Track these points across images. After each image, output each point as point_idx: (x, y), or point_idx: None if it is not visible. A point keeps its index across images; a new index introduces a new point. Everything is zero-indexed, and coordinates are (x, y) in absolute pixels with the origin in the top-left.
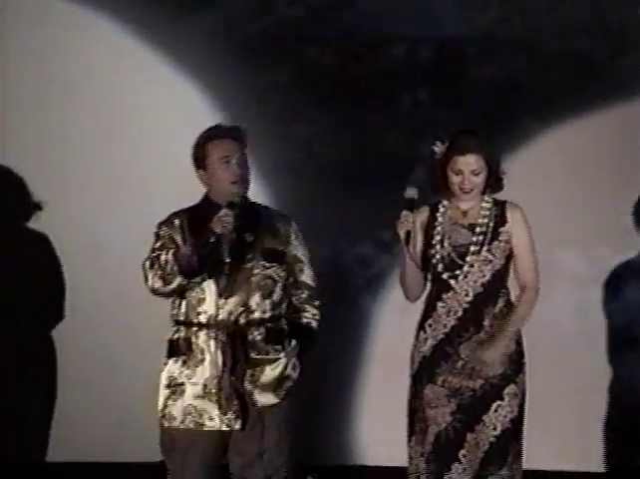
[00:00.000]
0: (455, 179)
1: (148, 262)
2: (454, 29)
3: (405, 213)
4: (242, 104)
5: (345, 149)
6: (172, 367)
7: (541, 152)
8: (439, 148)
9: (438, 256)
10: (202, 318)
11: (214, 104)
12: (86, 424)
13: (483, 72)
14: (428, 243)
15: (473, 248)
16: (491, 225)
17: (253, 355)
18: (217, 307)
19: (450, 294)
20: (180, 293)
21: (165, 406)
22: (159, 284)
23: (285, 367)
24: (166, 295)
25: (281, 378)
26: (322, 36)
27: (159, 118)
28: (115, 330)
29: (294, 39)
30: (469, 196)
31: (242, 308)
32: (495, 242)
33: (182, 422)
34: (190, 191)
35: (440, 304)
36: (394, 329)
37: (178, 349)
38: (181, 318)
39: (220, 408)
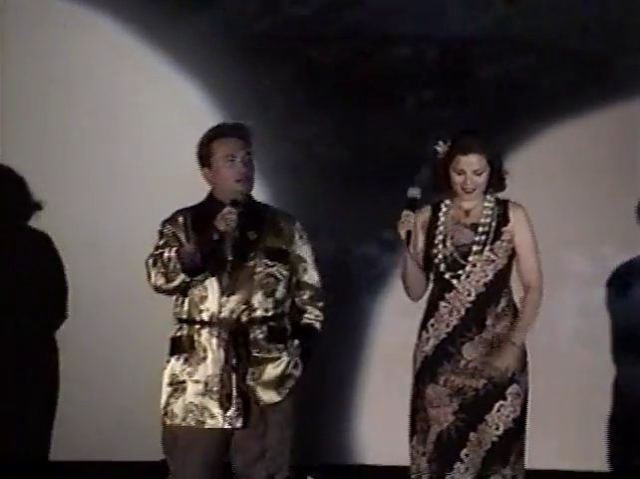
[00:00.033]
0: (457, 178)
1: (151, 260)
2: (459, 29)
3: (406, 212)
4: (242, 103)
5: (348, 148)
6: (175, 365)
7: (542, 151)
8: (441, 147)
9: (440, 256)
10: (205, 316)
11: (214, 103)
12: (87, 423)
13: (488, 72)
14: (430, 243)
15: (475, 248)
16: (494, 224)
17: (255, 353)
18: (220, 305)
19: (452, 294)
20: (183, 291)
21: (168, 404)
22: (161, 282)
23: (287, 366)
24: (169, 293)
25: (283, 377)
26: (326, 35)
27: (158, 117)
28: (115, 330)
29: (298, 38)
30: (471, 195)
31: (244, 306)
32: (498, 242)
33: (184, 420)
34: (191, 190)
35: (442, 304)
36: (394, 329)
37: (181, 347)
38: (184, 316)
39: (222, 406)
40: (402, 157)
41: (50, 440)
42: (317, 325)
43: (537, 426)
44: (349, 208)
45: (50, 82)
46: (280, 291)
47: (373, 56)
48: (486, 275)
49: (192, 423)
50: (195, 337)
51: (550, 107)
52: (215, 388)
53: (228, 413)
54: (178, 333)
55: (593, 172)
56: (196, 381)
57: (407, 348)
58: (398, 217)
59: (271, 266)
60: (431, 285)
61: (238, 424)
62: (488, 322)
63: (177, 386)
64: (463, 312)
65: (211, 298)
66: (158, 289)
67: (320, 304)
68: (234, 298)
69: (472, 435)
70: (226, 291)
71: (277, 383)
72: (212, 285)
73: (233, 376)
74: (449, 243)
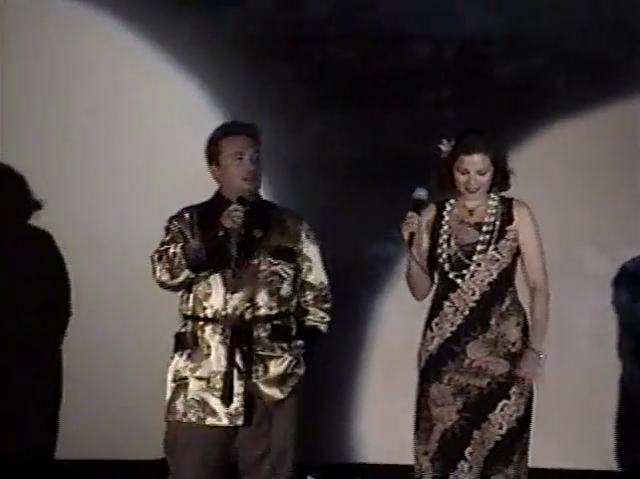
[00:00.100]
0: (461, 178)
1: (156, 255)
2: (475, 28)
3: (410, 214)
4: (241, 101)
5: (364, 147)
6: (178, 361)
7: (541, 150)
8: (445, 146)
9: (444, 256)
10: (208, 313)
11: (214, 102)
12: (89, 422)
13: (505, 71)
14: (434, 243)
15: (479, 247)
16: (498, 223)
17: (258, 351)
18: (223, 302)
19: (456, 293)
20: (188, 287)
21: (171, 400)
22: (166, 278)
23: (289, 364)
24: (174, 289)
25: (285, 375)
26: (343, 34)
27: (158, 116)
28: (117, 329)
29: (314, 38)
30: (474, 195)
31: (248, 304)
32: (502, 241)
33: (185, 416)
34: (191, 188)
35: (446, 304)
36: (394, 328)
37: (185, 343)
38: (188, 313)
39: (224, 403)
40: (417, 156)
41: (55, 439)
42: (321, 327)
43: (548, 425)
44: (358, 207)
45: (50, 81)
46: (285, 290)
47: (389, 55)
48: (491, 275)
49: (193, 419)
50: (199, 334)
51: (562, 105)
52: (218, 385)
53: (230, 410)
54: (183, 330)
55: (593, 170)
56: (199, 378)
57: (407, 348)
58: (403, 217)
59: (276, 265)
60: (435, 285)
61: (239, 422)
62: (493, 322)
63: (180, 382)
64: (467, 312)
65: (215, 295)
66: (162, 285)
67: (325, 306)
68: (238, 296)
69: (475, 433)
70: (230, 289)
71: (280, 381)
72: (217, 282)
73: (236, 373)
74: (453, 243)
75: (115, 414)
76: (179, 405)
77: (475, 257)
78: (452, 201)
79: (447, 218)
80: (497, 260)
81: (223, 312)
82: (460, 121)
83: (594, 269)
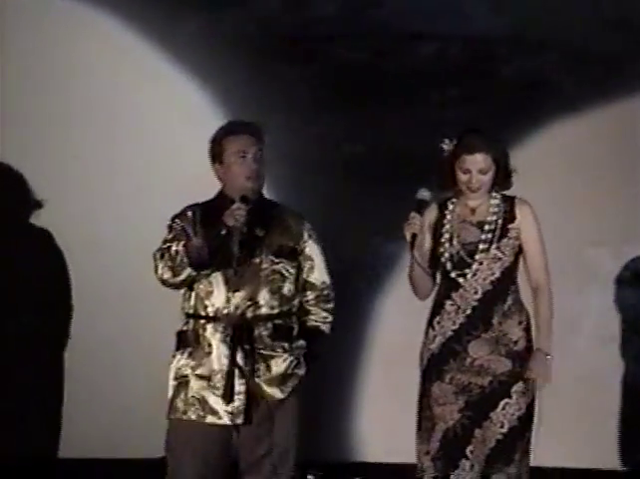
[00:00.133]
0: (462, 177)
1: (158, 253)
2: (482, 28)
3: (413, 214)
4: (241, 100)
5: (370, 146)
6: (179, 359)
7: (542, 149)
8: (447, 146)
9: (447, 255)
10: (210, 311)
11: (215, 101)
12: (90, 421)
13: (512, 71)
14: (437, 242)
15: (482, 246)
16: (500, 222)
17: (259, 350)
18: (225, 301)
19: (459, 292)
20: (190, 286)
21: (172, 398)
22: (168, 275)
23: (290, 364)
24: (176, 287)
25: (286, 375)
26: (350, 33)
27: (159, 115)
28: (117, 328)
29: (321, 37)
30: (476, 194)
31: (249, 303)
32: (505, 240)
33: (185, 413)
34: (191, 187)
35: (448, 303)
36: (394, 328)
37: (186, 341)
38: (190, 311)
39: (224, 402)
40: (423, 155)
41: (58, 438)
42: (324, 327)
43: (550, 423)
44: (358, 207)
45: (50, 81)
46: (287, 289)
47: (395, 54)
48: (493, 274)
49: (193, 417)
50: (200, 332)
51: (566, 105)
52: (219, 384)
53: (230, 409)
54: (184, 328)
55: (593, 169)
56: (200, 376)
57: (407, 347)
58: (406, 217)
59: (277, 263)
60: (437, 284)
61: (240, 421)
62: (495, 321)
63: (181, 380)
64: (469, 311)
65: (216, 294)
66: (164, 283)
67: (326, 306)
68: (239, 294)
69: (477, 432)
70: (232, 287)
71: (280, 381)
72: (218, 281)
73: (237, 372)
74: (455, 242)
75: (115, 413)
76: (180, 403)
77: (477, 256)
78: (454, 200)
79: (449, 217)
80: (500, 259)
81: (225, 311)
82: (465, 120)
83: (594, 269)
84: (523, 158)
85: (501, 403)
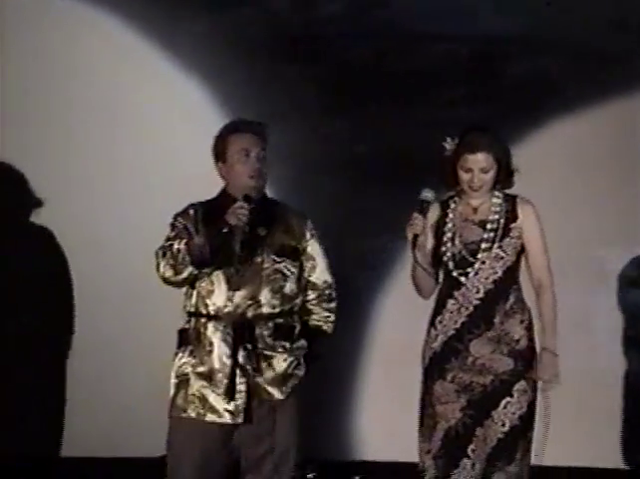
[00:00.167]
0: (464, 176)
1: (160, 251)
2: (490, 28)
3: (415, 215)
4: (242, 100)
5: (378, 146)
6: (181, 357)
7: (543, 147)
8: (449, 144)
9: (449, 254)
10: (211, 310)
11: (215, 100)
12: (90, 420)
13: (519, 71)
14: (439, 241)
15: (484, 245)
16: (502, 221)
17: (260, 349)
18: (226, 299)
19: (460, 291)
20: (191, 284)
21: (173, 396)
22: (169, 274)
23: (290, 365)
24: (177, 285)
25: (285, 375)
26: (357, 33)
27: (160, 114)
28: (118, 327)
29: (329, 36)
30: (478, 193)
31: (250, 302)
32: (507, 239)
33: (184, 411)
34: (192, 186)
35: (450, 301)
36: (394, 326)
37: (187, 340)
38: (192, 309)
39: (224, 400)
40: (429, 156)
41: (61, 437)
42: (325, 327)
43: (554, 422)
44: (359, 206)
45: (50, 80)
46: (289, 288)
47: (402, 54)
48: (495, 273)
49: (193, 415)
50: (202, 331)
51: (572, 104)
52: (219, 382)
53: (231, 408)
54: (186, 326)
55: (593, 168)
56: (200, 374)
57: (407, 346)
58: (409, 218)
59: (279, 263)
60: (440, 283)
61: (240, 420)
62: (497, 320)
63: (182, 378)
64: (471, 309)
65: (218, 293)
66: (166, 281)
67: (329, 306)
68: (240, 293)
69: (478, 430)
70: (233, 286)
71: (280, 381)
72: (219, 280)
73: (237, 371)
74: (457, 241)
75: (115, 412)
76: (180, 401)
77: (479, 256)
78: (456, 198)
79: (451, 216)
80: (502, 258)
81: (226, 310)
82: (471, 120)
83: (594, 268)
84: (524, 156)
85: (503, 402)
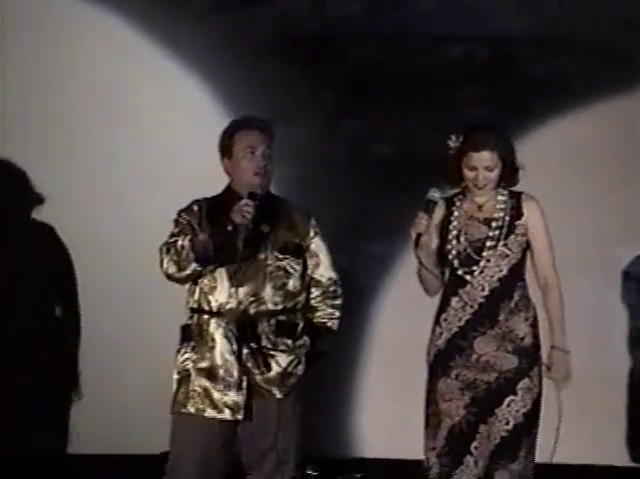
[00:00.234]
0: (469, 174)
1: (164, 247)
2: (509, 29)
3: (420, 214)
4: (243, 98)
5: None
6: (183, 353)
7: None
8: (453, 142)
9: (454, 252)
10: (213, 306)
11: (217, 99)
12: (91, 419)
13: (538, 71)
14: (444, 239)
15: (489, 243)
16: (507, 218)
17: (261, 347)
18: (228, 296)
19: (466, 289)
20: (194, 281)
21: (175, 392)
22: (173, 270)
23: (290, 364)
24: (181, 281)
25: (285, 374)
26: (376, 34)
27: (161, 112)
28: (121, 326)
29: (347, 37)
30: (483, 191)
31: (253, 298)
32: (512, 236)
33: (184, 406)
34: (194, 183)
35: (455, 299)
36: (395, 325)
37: (190, 335)
38: (194, 306)
39: (225, 396)
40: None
41: (66, 435)
42: (330, 324)
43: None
44: (359, 206)
45: (51, 80)
46: (292, 285)
47: (422, 55)
48: (501, 270)
49: (192, 410)
50: (204, 327)
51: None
52: (220, 378)
53: (230, 404)
54: (189, 322)
55: (593, 167)
56: (201, 370)
57: (407, 344)
58: (414, 216)
59: (282, 260)
60: (445, 281)
61: (240, 416)
62: (502, 317)
63: (184, 374)
64: (476, 307)
65: (220, 289)
66: (169, 277)
67: (333, 302)
68: (243, 290)
69: (482, 427)
70: (235, 283)
71: (279, 380)
72: (222, 276)
73: (239, 368)
74: (462, 239)
75: (116, 410)
76: (181, 396)
77: (484, 253)
78: (460, 196)
79: (456, 213)
80: (507, 256)
81: (228, 306)
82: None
83: (594, 267)
84: (524, 154)
85: (507, 400)
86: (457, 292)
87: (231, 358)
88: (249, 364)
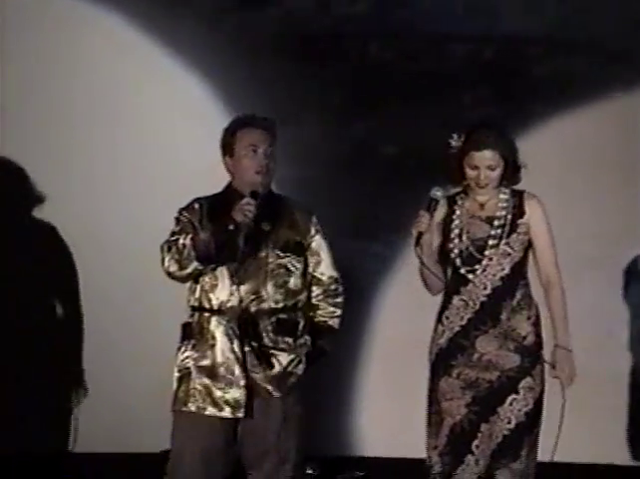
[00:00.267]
0: (471, 173)
1: (165, 246)
2: (515, 28)
3: (422, 213)
4: (245, 97)
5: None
6: (184, 351)
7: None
8: (455, 141)
9: (456, 251)
10: (214, 304)
11: (218, 97)
12: (91, 417)
13: (544, 71)
14: (446, 237)
15: (491, 242)
16: (510, 217)
17: (262, 345)
18: (229, 294)
19: (468, 288)
20: (195, 279)
21: (175, 390)
22: (174, 268)
23: (290, 363)
24: (182, 280)
25: (285, 373)
26: (382, 33)
27: (162, 111)
28: (121, 325)
29: (352, 36)
30: (485, 189)
31: (253, 296)
32: (514, 235)
33: (185, 404)
34: (195, 181)
35: (457, 298)
36: (395, 323)
37: (190, 333)
38: (195, 304)
39: (226, 394)
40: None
41: (69, 433)
42: (331, 322)
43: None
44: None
45: (52, 79)
46: (293, 283)
47: (428, 54)
48: (503, 269)
49: (193, 408)
50: (205, 325)
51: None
52: (221, 376)
53: (231, 402)
54: (190, 320)
55: (594, 166)
56: (202, 368)
57: (407, 343)
58: (416, 215)
59: (283, 258)
60: (448, 279)
61: (240, 414)
62: (504, 316)
63: (184, 372)
64: (478, 306)
65: (221, 287)
66: (170, 275)
67: (334, 301)
68: (244, 288)
69: (483, 426)
70: (236, 281)
71: (279, 379)
72: (223, 274)
73: (239, 366)
74: (464, 238)
75: (117, 409)
76: (181, 394)
77: (486, 252)
78: (462, 195)
79: (458, 212)
80: (509, 255)
81: (229, 304)
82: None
83: (595, 266)
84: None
85: (509, 399)
86: (459, 291)
87: (232, 356)
88: (250, 362)
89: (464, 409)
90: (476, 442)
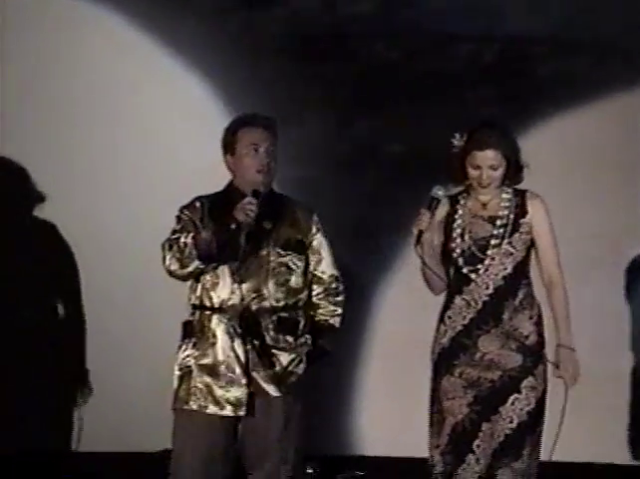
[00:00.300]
0: (473, 173)
1: (167, 244)
2: (519, 28)
3: (423, 211)
4: (245, 97)
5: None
6: (185, 350)
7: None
8: (457, 141)
9: (458, 250)
10: (215, 302)
11: (218, 97)
12: (92, 416)
13: (548, 71)
14: (448, 237)
15: (494, 242)
16: (512, 216)
17: (262, 344)
18: (230, 292)
19: (470, 287)
20: (197, 277)
21: (176, 388)
22: (175, 267)
23: (290, 362)
24: (183, 278)
25: (285, 373)
26: (386, 33)
27: (162, 110)
28: (123, 324)
29: (357, 36)
30: (487, 189)
31: (254, 294)
32: (516, 235)
33: (186, 403)
34: (195, 181)
35: (459, 297)
36: (395, 322)
37: (191, 332)
38: (196, 302)
39: (227, 393)
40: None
41: (71, 432)
42: (332, 321)
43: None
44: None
45: (52, 78)
46: (294, 281)
47: (433, 54)
48: (505, 269)
49: (194, 407)
50: (206, 323)
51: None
52: (222, 374)
53: (232, 400)
54: (191, 318)
55: (595, 165)
56: (203, 366)
57: (408, 341)
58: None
59: (284, 256)
60: (450, 278)
61: (242, 412)
62: (506, 316)
63: (185, 371)
64: (480, 305)
65: (222, 285)
66: (171, 274)
67: (335, 299)
68: (245, 286)
69: (484, 426)
70: (238, 279)
71: (279, 378)
72: (224, 272)
73: (240, 364)
74: (467, 237)
75: (118, 408)
76: (182, 393)
77: (489, 252)
78: (465, 194)
79: (460, 211)
80: (512, 254)
81: (230, 302)
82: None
83: (596, 266)
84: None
85: (511, 398)
86: (461, 290)
87: (233, 355)
88: (251, 361)
89: (465, 409)
90: (477, 441)
